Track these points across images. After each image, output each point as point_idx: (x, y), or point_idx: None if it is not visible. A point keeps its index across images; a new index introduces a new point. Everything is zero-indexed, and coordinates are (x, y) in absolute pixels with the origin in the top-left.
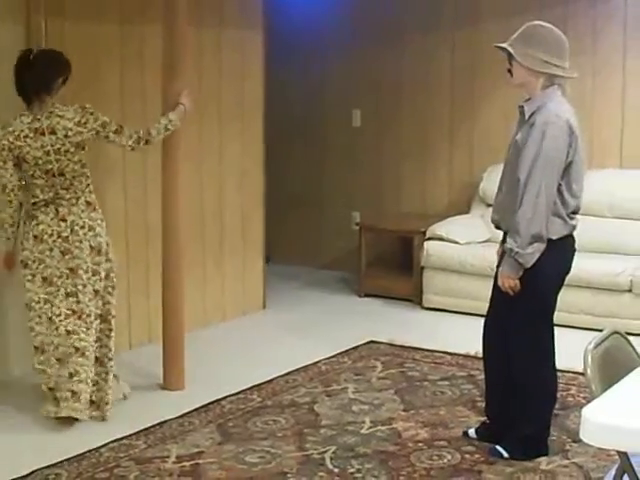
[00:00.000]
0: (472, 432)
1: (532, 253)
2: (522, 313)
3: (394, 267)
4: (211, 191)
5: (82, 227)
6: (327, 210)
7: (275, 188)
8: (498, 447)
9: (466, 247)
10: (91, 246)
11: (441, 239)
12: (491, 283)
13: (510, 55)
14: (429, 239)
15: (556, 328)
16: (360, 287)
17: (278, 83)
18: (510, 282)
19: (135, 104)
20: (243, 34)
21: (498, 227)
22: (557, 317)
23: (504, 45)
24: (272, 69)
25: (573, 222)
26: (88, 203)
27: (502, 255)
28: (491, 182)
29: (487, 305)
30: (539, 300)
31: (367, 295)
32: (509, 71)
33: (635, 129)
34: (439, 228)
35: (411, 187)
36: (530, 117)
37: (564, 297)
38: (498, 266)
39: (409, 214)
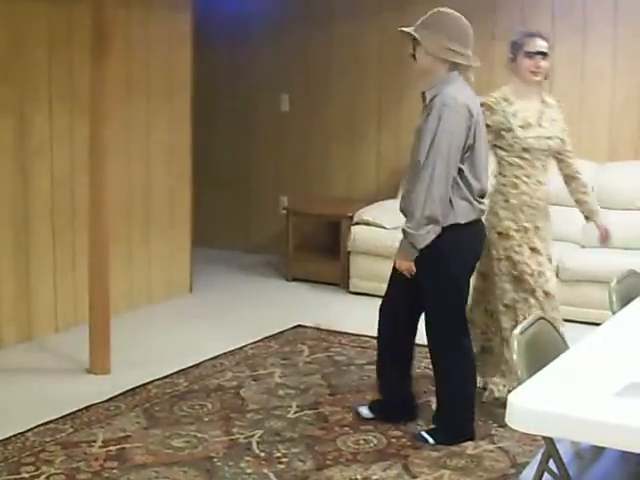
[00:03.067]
0: (366, 411)
1: (425, 235)
2: (437, 302)
3: (321, 251)
4: (138, 172)
5: None
6: (254, 194)
7: (202, 171)
8: (423, 433)
9: (393, 232)
10: None
11: (368, 224)
12: None
13: (415, 40)
14: (356, 224)
15: None
16: (287, 271)
17: (206, 66)
18: (405, 264)
19: (63, 82)
20: (171, 15)
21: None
22: None
23: (409, 30)
24: (200, 52)
25: (481, 206)
26: None
27: None
28: None
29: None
30: (453, 286)
31: (294, 279)
32: (413, 56)
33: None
34: (366, 213)
35: (339, 172)
36: (430, 102)
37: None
38: None
39: (337, 198)
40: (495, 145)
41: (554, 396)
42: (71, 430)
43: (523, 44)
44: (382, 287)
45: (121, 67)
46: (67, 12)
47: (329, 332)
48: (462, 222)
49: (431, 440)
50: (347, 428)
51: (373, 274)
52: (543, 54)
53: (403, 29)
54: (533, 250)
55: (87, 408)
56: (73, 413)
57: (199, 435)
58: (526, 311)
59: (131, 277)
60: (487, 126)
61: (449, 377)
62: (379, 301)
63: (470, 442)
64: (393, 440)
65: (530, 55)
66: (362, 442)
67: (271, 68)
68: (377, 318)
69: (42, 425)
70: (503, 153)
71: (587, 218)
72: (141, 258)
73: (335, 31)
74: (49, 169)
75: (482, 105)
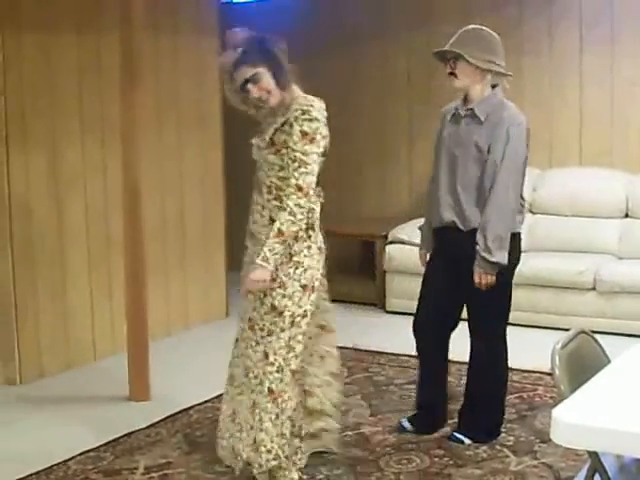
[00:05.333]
0: (407, 424)
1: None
2: (492, 304)
3: (357, 272)
4: (171, 198)
5: None
6: None
7: (235, 194)
8: (457, 434)
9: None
10: None
11: (402, 242)
12: None
13: (455, 57)
14: (391, 243)
15: (521, 328)
16: None
17: None
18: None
19: (93, 114)
20: (199, 40)
21: (445, 227)
22: (522, 317)
23: (450, 48)
24: None
25: (524, 215)
26: None
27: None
28: None
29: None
30: (505, 293)
31: (331, 300)
32: (452, 74)
33: (593, 126)
34: (400, 231)
35: (372, 191)
36: (487, 118)
37: (528, 296)
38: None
39: (370, 218)
40: None
41: (598, 410)
42: (113, 457)
43: (232, 79)
44: None
45: (151, 94)
46: (95, 42)
47: (367, 352)
48: (516, 231)
49: (467, 440)
50: (389, 448)
51: (410, 293)
52: (251, 80)
53: (442, 49)
54: None
55: (128, 435)
56: (114, 440)
57: None
58: None
59: (168, 303)
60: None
61: (493, 386)
62: None
63: (513, 458)
64: (436, 459)
65: (241, 89)
66: (404, 462)
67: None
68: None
69: (84, 453)
70: None
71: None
72: (177, 284)
73: (362, 52)
74: (83, 199)
75: None
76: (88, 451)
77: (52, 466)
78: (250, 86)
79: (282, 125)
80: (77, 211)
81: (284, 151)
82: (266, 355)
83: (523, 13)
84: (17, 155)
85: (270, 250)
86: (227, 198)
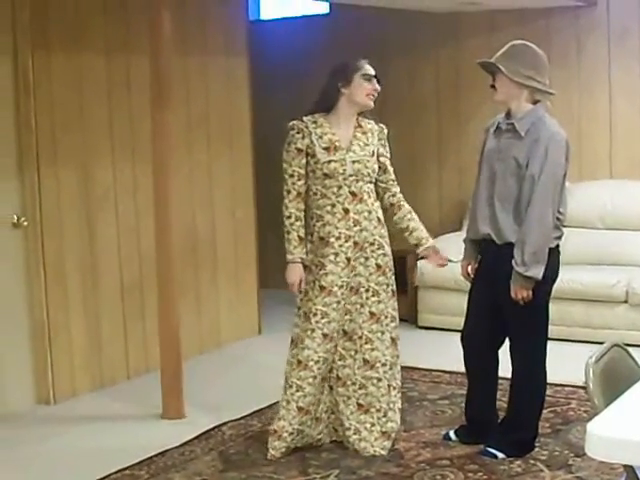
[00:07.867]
0: (452, 434)
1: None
2: (531, 319)
3: None
4: (203, 217)
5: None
6: None
7: (267, 213)
8: (491, 449)
9: (459, 264)
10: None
11: None
12: None
13: (497, 71)
14: (422, 258)
15: (554, 342)
16: None
17: (264, 109)
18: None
19: (124, 133)
20: (229, 61)
21: (483, 240)
22: (554, 331)
23: (490, 60)
24: (258, 95)
25: (563, 231)
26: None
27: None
28: None
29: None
30: (543, 307)
31: None
32: (493, 87)
33: (623, 139)
34: None
35: None
36: (527, 133)
37: (560, 310)
38: (489, 280)
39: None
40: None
41: (633, 424)
42: (147, 476)
43: (359, 67)
44: (452, 320)
45: (181, 112)
46: (124, 62)
47: (400, 368)
48: (552, 246)
49: (501, 454)
50: (423, 464)
51: (442, 308)
52: (377, 78)
53: (486, 60)
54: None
55: (163, 453)
56: (149, 459)
57: (275, 476)
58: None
59: (200, 321)
60: (299, 150)
61: (530, 401)
62: (449, 335)
63: (548, 472)
64: (470, 474)
65: (368, 78)
66: (439, 477)
67: None
68: (449, 352)
69: (119, 472)
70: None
71: (418, 245)
72: (209, 302)
73: (390, 67)
74: (114, 219)
75: (292, 128)
76: (123, 469)
77: None
78: (375, 81)
79: (379, 140)
80: (108, 229)
81: (378, 160)
82: (393, 340)
83: (550, 26)
84: (48, 174)
85: None
86: (258, 215)
